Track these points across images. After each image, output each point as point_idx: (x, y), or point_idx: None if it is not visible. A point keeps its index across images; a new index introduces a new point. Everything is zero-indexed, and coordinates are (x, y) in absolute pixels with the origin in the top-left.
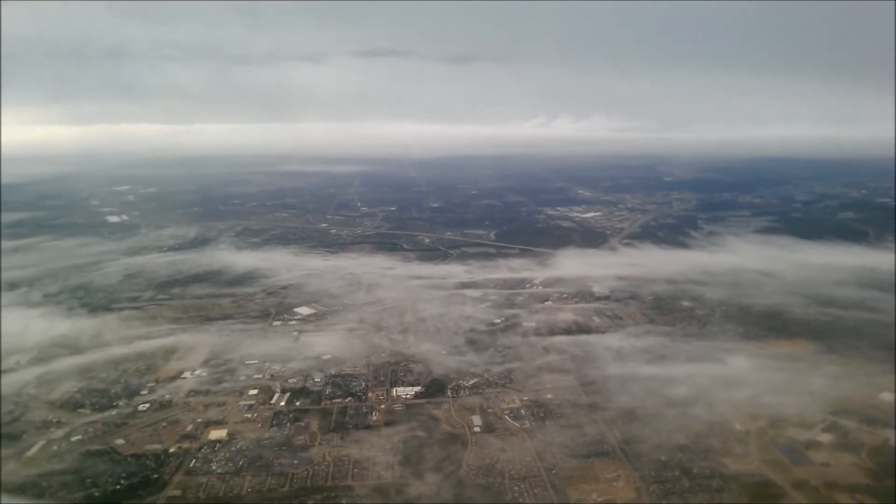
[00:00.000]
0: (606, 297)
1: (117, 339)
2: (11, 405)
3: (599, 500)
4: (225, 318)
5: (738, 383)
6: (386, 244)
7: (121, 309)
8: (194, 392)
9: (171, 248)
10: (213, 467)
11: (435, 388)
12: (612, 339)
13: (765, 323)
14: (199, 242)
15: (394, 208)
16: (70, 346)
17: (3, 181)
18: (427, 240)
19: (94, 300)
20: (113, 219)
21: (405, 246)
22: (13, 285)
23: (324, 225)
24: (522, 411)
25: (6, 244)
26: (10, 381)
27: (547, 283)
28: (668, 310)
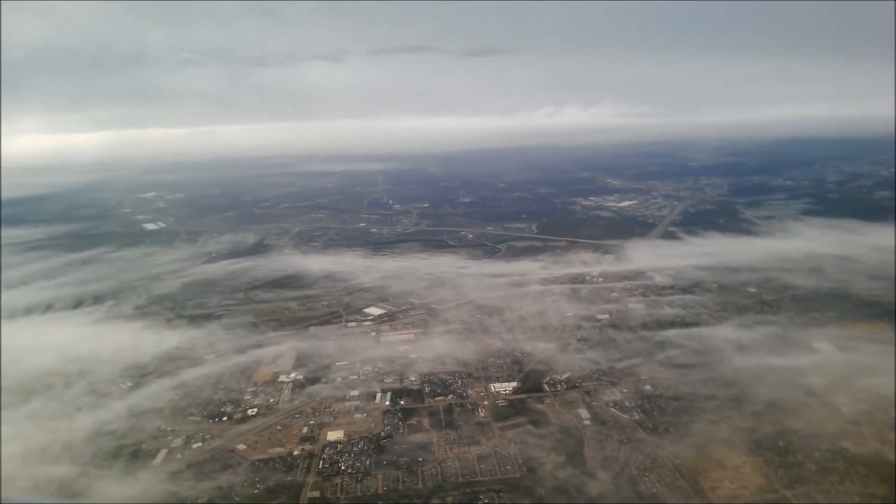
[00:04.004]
0: (693, 289)
1: (230, 348)
2: (124, 419)
3: (732, 486)
4: (318, 321)
5: (841, 368)
6: (432, 241)
7: (219, 317)
8: (297, 395)
9: (236, 255)
10: (342, 467)
11: (530, 382)
12: (708, 330)
13: (862, 308)
14: (261, 248)
15: (426, 205)
16: (185, 358)
17: (28, 193)
18: (470, 235)
19: (185, 310)
20: (150, 226)
21: (450, 242)
22: (97, 298)
23: (362, 224)
24: (627, 403)
25: (68, 257)
26: (145, 394)
27: (627, 276)
28: (767, 300)
